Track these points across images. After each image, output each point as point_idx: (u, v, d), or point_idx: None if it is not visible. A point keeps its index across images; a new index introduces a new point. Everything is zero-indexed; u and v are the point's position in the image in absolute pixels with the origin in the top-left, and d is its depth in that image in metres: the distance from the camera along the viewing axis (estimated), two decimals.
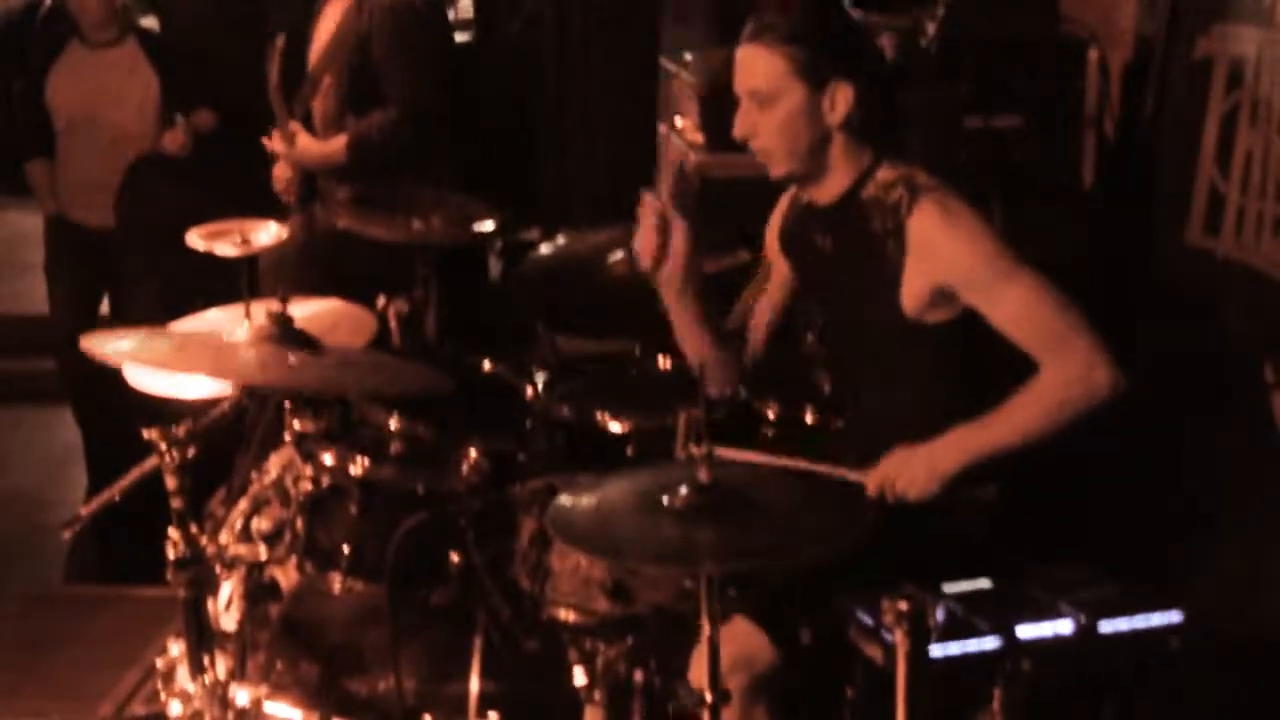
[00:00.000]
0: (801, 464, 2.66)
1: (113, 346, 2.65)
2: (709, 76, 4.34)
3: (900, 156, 2.73)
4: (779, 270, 3.00)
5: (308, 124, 4.45)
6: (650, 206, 2.83)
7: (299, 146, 4.39)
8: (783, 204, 2.99)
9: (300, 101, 4.44)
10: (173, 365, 2.72)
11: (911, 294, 2.64)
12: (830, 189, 2.75)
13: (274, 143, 4.40)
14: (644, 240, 2.83)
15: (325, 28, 4.44)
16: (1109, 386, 2.56)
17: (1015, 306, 2.59)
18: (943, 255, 2.61)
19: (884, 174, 2.70)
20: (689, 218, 2.83)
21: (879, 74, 2.75)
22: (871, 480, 2.63)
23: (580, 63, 5.70)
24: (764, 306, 3.03)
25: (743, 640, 2.57)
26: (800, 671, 2.60)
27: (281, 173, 4.52)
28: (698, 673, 2.55)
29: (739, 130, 2.74)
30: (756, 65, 2.69)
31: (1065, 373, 2.57)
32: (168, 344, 2.81)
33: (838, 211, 2.75)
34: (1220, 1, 3.37)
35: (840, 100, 2.67)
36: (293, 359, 2.64)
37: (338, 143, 4.34)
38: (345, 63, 4.33)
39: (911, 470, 2.63)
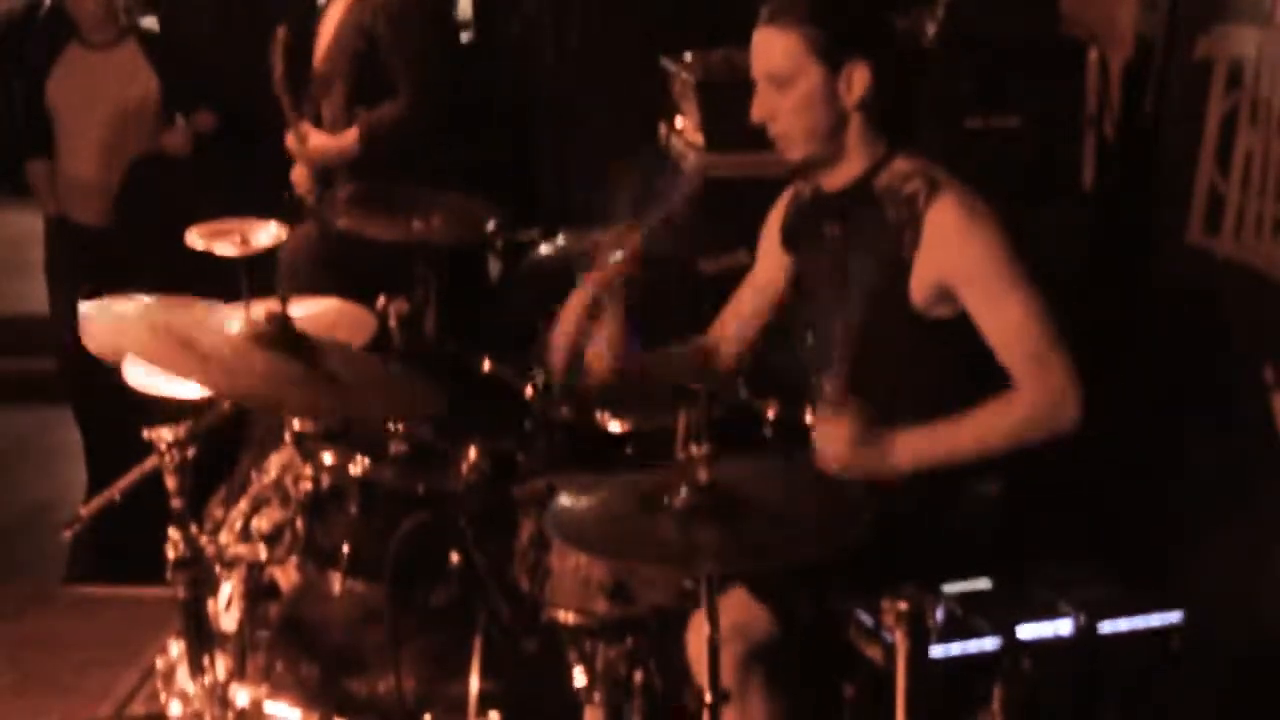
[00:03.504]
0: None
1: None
2: (709, 76, 4.34)
3: (917, 150, 2.73)
4: (765, 271, 3.01)
5: (317, 124, 4.46)
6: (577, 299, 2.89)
7: (312, 144, 4.40)
8: (783, 201, 2.98)
9: (310, 102, 4.45)
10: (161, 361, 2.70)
11: (920, 286, 2.64)
12: (843, 175, 2.75)
13: (289, 143, 4.42)
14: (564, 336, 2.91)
15: (330, 25, 4.45)
16: (1073, 423, 2.56)
17: (1009, 319, 2.58)
18: (955, 250, 2.60)
19: (900, 164, 2.70)
20: (622, 304, 2.87)
21: (896, 56, 2.74)
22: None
23: (580, 62, 5.69)
24: (742, 307, 3.05)
25: (741, 608, 2.56)
26: (798, 646, 2.59)
27: (301, 175, 4.52)
28: (695, 646, 2.54)
29: (757, 113, 2.73)
30: (773, 47, 2.68)
31: (1036, 397, 2.56)
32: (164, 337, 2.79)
33: (849, 198, 2.74)
34: (1220, 1, 3.37)
35: (857, 80, 2.66)
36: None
37: (350, 135, 4.35)
38: (351, 56, 4.35)
39: (849, 451, 2.60)
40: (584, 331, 2.93)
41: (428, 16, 4.47)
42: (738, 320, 3.10)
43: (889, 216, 2.66)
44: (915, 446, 2.61)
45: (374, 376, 2.78)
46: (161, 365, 2.58)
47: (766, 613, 2.58)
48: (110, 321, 2.73)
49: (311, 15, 4.61)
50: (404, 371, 2.93)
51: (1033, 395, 2.57)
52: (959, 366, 2.70)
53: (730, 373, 3.07)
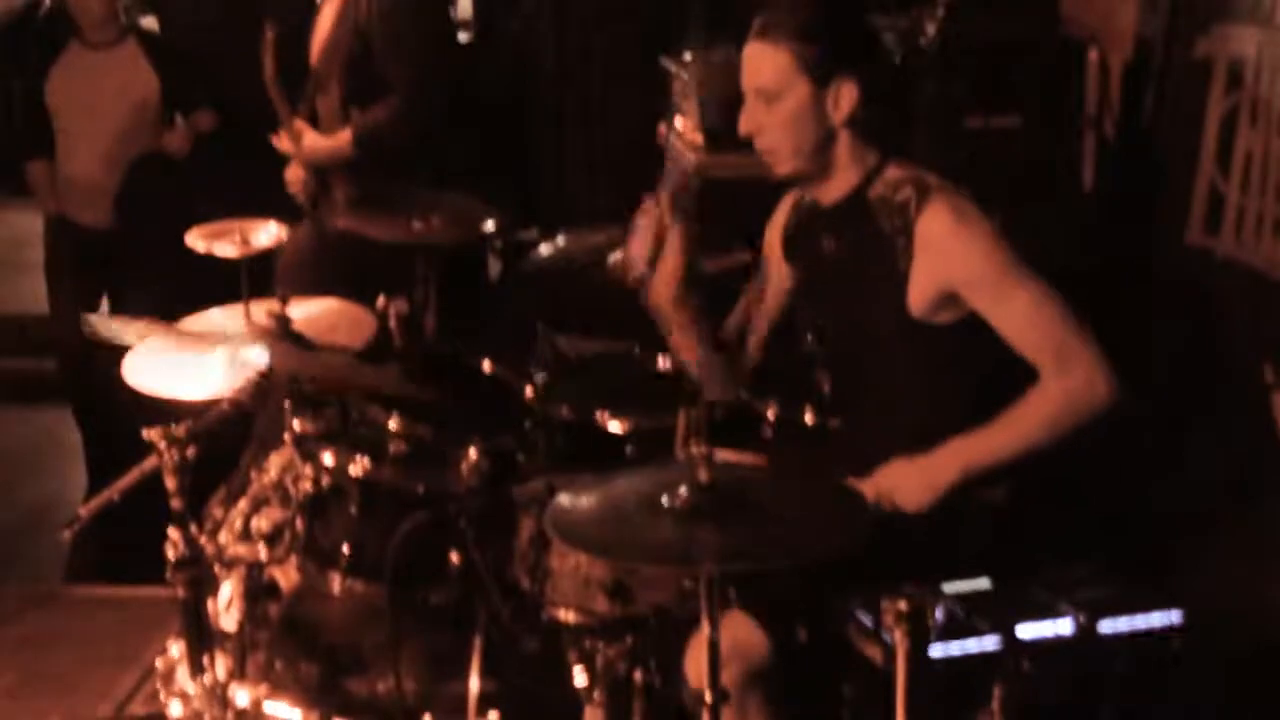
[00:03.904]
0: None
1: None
2: (709, 76, 4.34)
3: (908, 157, 2.73)
4: (777, 274, 3.01)
5: (313, 123, 4.45)
6: (649, 212, 2.83)
7: (306, 144, 4.38)
8: (784, 207, 2.98)
9: (305, 100, 4.44)
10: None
11: (918, 294, 2.64)
12: (836, 189, 2.75)
13: (281, 142, 4.41)
14: (638, 245, 2.83)
15: (324, 23, 4.44)
16: (1108, 399, 2.57)
17: (1020, 313, 2.59)
18: (952, 257, 2.60)
19: (892, 173, 2.70)
20: (688, 221, 2.83)
21: (884, 72, 2.75)
22: (868, 490, 2.63)
23: (579, 62, 5.69)
24: (761, 311, 3.04)
25: (739, 631, 2.56)
26: (796, 667, 2.60)
27: (295, 174, 4.52)
28: (694, 666, 2.55)
29: (744, 127, 2.74)
30: (762, 62, 2.69)
31: (1067, 383, 2.57)
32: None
33: (844, 212, 2.75)
34: (1220, 1, 3.37)
35: (845, 98, 2.67)
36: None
37: (343, 136, 4.34)
38: (346, 55, 4.34)
39: (909, 482, 2.63)
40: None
41: (422, 14, 4.46)
42: (756, 330, 3.08)
43: (883, 227, 2.67)
44: (963, 457, 2.62)
45: None
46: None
47: (764, 635, 2.59)
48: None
49: (309, 13, 4.60)
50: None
51: (1063, 383, 2.57)
52: (962, 371, 2.70)
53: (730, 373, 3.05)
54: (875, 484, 2.64)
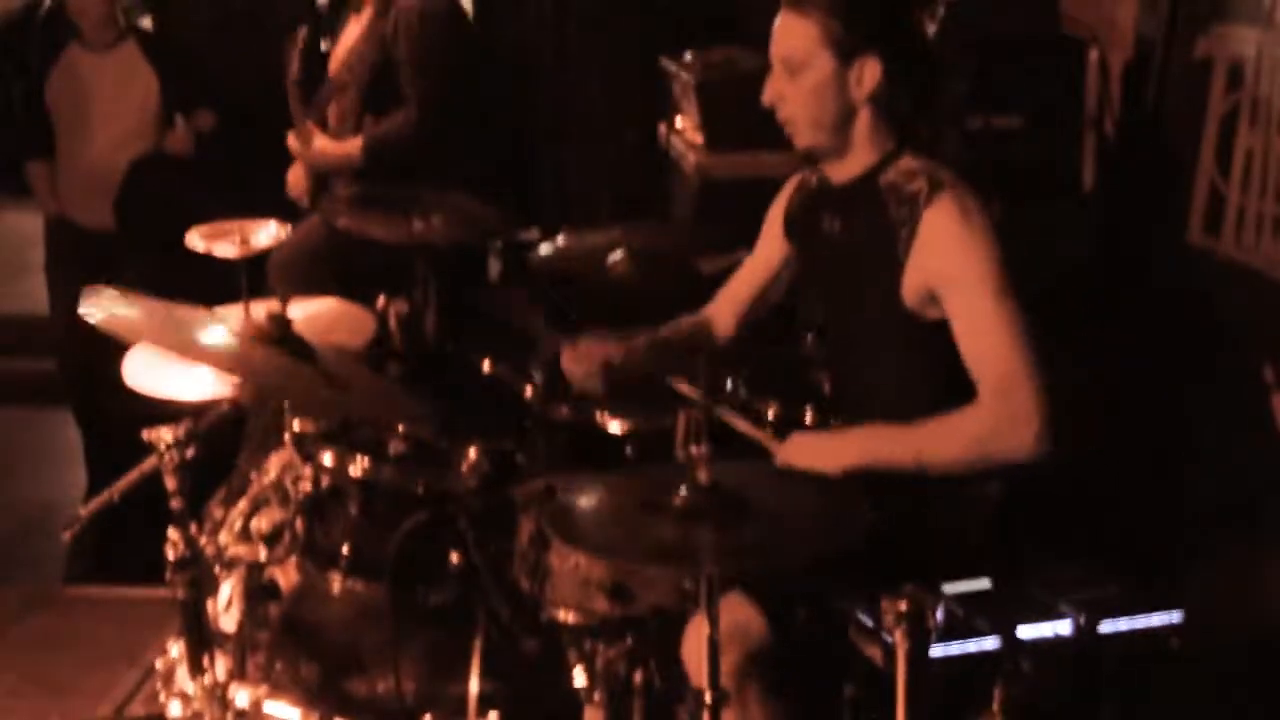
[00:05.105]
0: (737, 422, 2.73)
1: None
2: (709, 76, 4.34)
3: (928, 151, 2.73)
4: (770, 250, 3.01)
5: (323, 128, 4.47)
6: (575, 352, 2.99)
7: (316, 148, 4.41)
8: (788, 188, 2.99)
9: (318, 106, 4.46)
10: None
11: (911, 286, 2.63)
12: (849, 168, 2.75)
13: (291, 142, 4.43)
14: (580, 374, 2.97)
15: (350, 34, 4.46)
16: (1032, 448, 2.50)
17: (983, 325, 2.55)
18: (944, 253, 2.59)
19: (907, 163, 2.69)
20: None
21: (911, 55, 2.74)
22: (780, 454, 2.63)
23: (580, 62, 5.70)
24: (740, 285, 3.07)
25: (736, 613, 2.55)
26: (795, 650, 2.59)
27: (296, 175, 4.53)
28: (692, 653, 2.54)
29: (767, 96, 2.74)
30: (790, 32, 2.69)
31: (998, 412, 2.52)
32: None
33: (853, 193, 2.74)
34: (1220, 1, 3.37)
35: (868, 75, 2.66)
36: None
37: (354, 144, 4.37)
38: (369, 67, 4.36)
39: (811, 451, 2.61)
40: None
41: (449, 35, 4.49)
42: (733, 300, 3.12)
43: (890, 214, 2.66)
44: (870, 445, 2.60)
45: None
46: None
47: (762, 617, 2.58)
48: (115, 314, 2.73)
49: (311, 16, 4.62)
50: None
51: (992, 412, 2.52)
52: (955, 370, 2.69)
53: (722, 344, 3.08)
54: (784, 448, 2.64)
